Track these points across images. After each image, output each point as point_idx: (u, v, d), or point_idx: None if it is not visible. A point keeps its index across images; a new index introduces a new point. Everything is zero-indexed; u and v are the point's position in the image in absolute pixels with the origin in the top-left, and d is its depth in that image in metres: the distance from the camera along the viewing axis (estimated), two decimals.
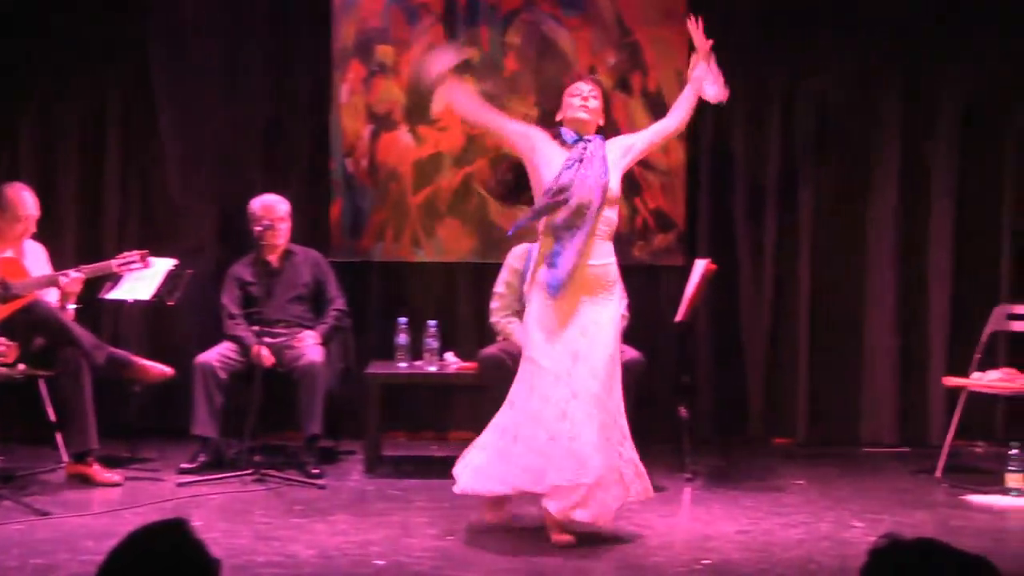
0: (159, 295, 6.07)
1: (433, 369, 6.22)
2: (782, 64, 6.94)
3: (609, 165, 4.82)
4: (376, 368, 6.24)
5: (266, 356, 5.97)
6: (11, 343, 5.23)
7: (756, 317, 6.95)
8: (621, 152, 4.91)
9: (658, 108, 6.91)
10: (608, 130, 4.97)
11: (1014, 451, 5.55)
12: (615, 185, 4.83)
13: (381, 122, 6.97)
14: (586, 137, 4.84)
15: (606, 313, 4.79)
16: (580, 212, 4.73)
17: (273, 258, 6.27)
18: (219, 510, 5.25)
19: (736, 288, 6.93)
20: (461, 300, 6.98)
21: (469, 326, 6.85)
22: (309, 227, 6.75)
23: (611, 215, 4.83)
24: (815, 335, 6.91)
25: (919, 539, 2.22)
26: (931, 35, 6.82)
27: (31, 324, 5.67)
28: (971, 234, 6.87)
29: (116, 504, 5.34)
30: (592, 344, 4.72)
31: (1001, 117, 6.86)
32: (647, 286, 6.79)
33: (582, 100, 4.88)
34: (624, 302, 5.39)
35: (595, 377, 4.69)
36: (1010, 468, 5.53)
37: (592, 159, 4.79)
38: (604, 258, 4.82)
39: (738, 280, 6.93)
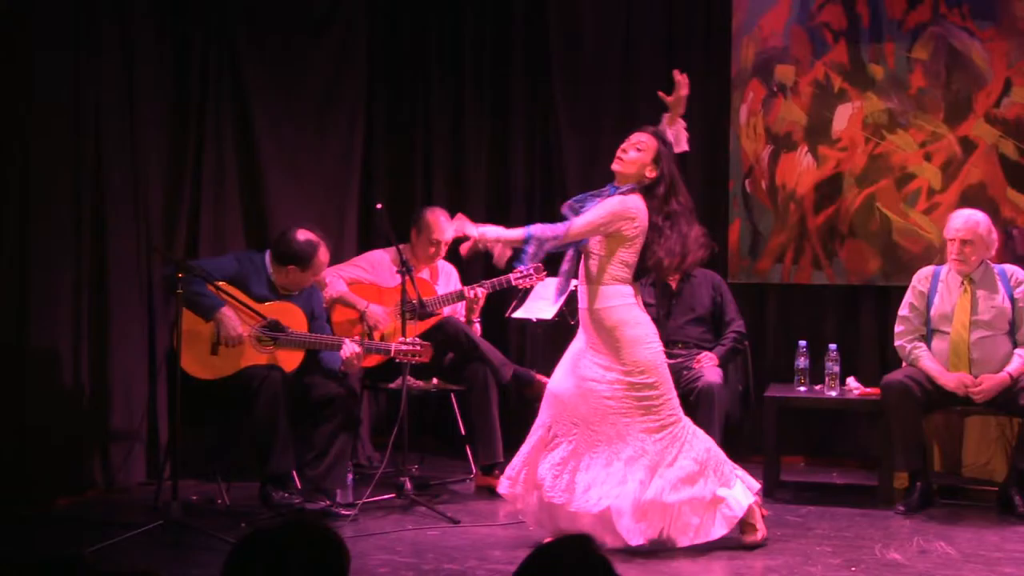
0: (561, 314, 6.27)
1: (834, 394, 6.08)
2: None
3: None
4: (775, 391, 6.16)
5: None
6: (426, 343, 5.56)
7: None
8: None
9: None
10: None
11: None
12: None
13: (780, 143, 6.90)
14: (613, 187, 4.88)
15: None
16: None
17: (673, 280, 6.33)
18: None
19: None
20: (863, 323, 6.78)
21: (871, 351, 6.64)
22: None
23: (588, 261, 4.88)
24: None
25: None
26: None
27: (443, 340, 6.00)
28: None
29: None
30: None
31: None
32: None
33: (620, 151, 4.90)
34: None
35: None
36: None
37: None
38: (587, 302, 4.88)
39: None
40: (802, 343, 6.18)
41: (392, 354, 5.53)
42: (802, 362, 6.14)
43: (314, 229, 5.63)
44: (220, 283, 5.30)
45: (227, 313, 5.35)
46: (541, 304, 6.36)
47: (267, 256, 5.60)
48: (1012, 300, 5.77)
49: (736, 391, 6.29)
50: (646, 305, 6.31)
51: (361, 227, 7.11)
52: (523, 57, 7.32)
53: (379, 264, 6.21)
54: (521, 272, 6.22)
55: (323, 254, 5.61)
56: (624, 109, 7.05)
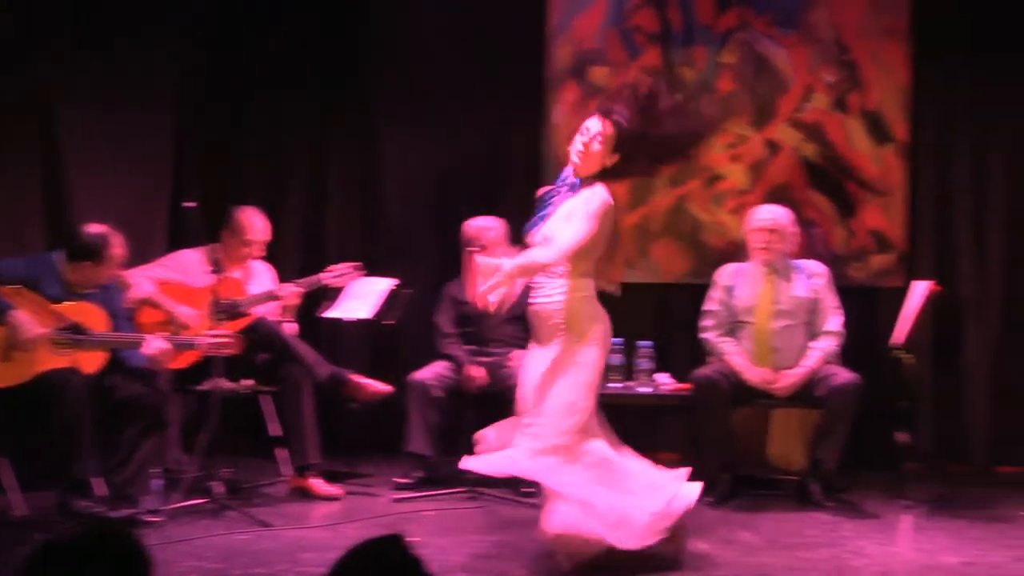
0: (379, 314, 6.22)
1: (646, 390, 6.19)
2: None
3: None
4: None
5: (479, 376, 6.07)
6: (235, 333, 5.47)
7: (981, 339, 6.69)
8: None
9: (877, 127, 6.75)
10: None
11: None
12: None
13: None
14: (569, 182, 4.68)
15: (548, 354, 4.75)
16: None
17: None
18: (434, 526, 5.33)
19: (958, 309, 6.68)
20: (675, 321, 6.92)
21: (683, 347, 6.78)
22: (519, 248, 6.79)
23: None
24: None
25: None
26: None
27: (256, 341, 5.89)
28: None
29: (335, 518, 5.49)
30: None
31: None
32: (865, 308, 6.60)
33: (584, 145, 4.58)
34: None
35: None
36: None
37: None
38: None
39: (960, 301, 6.68)
40: (616, 340, 6.26)
41: (201, 347, 5.42)
42: (615, 359, 6.23)
43: (107, 224, 5.47)
44: (17, 286, 5.09)
45: (19, 316, 5.14)
46: (355, 303, 6.30)
47: (57, 256, 5.42)
48: (812, 292, 5.98)
49: None
50: (461, 303, 6.35)
51: (171, 228, 6.92)
52: (343, 54, 7.22)
53: (188, 264, 6.07)
54: (334, 271, 6.16)
55: (117, 247, 5.45)
56: (442, 107, 7.05)
